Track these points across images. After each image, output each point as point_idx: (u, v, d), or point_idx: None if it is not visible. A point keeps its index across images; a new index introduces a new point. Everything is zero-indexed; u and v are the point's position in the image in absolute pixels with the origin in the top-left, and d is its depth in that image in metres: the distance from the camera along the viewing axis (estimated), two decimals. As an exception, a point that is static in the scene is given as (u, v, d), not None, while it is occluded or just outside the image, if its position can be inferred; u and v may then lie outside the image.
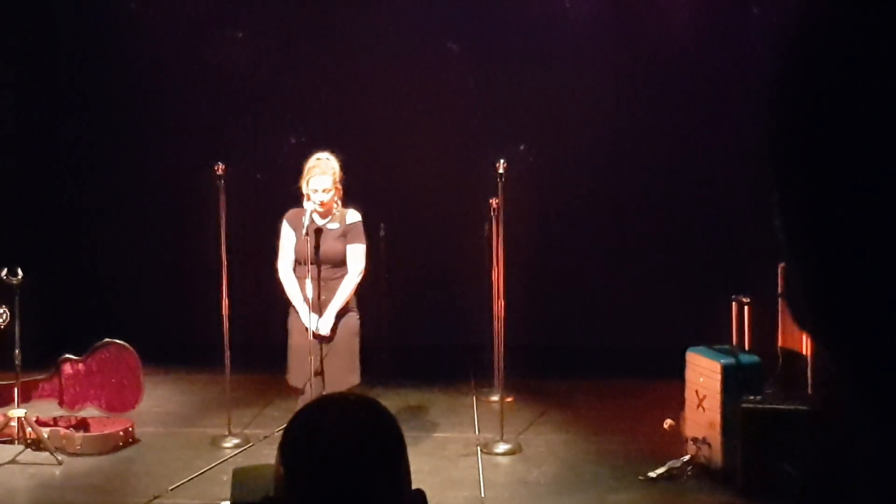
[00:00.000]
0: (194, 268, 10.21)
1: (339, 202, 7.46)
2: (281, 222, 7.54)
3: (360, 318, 7.57)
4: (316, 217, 7.35)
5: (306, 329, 7.30)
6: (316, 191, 7.31)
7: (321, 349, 7.32)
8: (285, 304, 7.55)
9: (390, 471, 1.96)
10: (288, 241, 7.50)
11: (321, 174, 7.32)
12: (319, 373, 7.33)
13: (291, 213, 7.53)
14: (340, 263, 7.40)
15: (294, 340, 7.52)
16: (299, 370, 7.45)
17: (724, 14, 10.68)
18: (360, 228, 7.47)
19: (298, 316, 7.45)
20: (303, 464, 1.93)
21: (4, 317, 7.94)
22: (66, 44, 11.36)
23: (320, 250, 7.34)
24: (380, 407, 2.02)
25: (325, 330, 7.35)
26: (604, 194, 10.80)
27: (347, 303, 7.46)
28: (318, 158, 7.38)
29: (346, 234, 7.42)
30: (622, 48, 10.73)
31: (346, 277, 7.44)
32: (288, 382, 7.64)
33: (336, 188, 7.36)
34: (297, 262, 7.41)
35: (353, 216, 7.48)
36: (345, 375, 7.40)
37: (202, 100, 11.12)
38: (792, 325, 8.34)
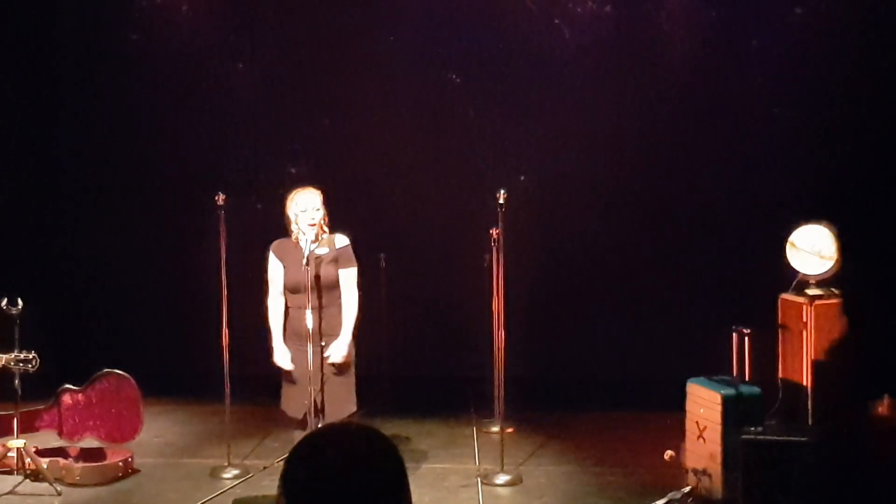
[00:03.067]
0: (194, 298, 10.20)
1: (327, 228, 7.46)
2: (267, 254, 7.52)
3: (355, 346, 7.56)
4: (304, 243, 7.33)
5: (304, 360, 7.28)
6: (305, 210, 7.31)
7: (321, 379, 7.31)
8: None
9: (392, 500, 1.95)
10: (276, 273, 7.49)
11: (308, 193, 7.36)
12: (318, 404, 7.31)
13: (277, 243, 7.52)
14: (334, 287, 7.40)
15: (289, 372, 7.50)
16: (296, 401, 7.43)
17: (725, 46, 10.70)
18: (351, 252, 7.47)
19: (293, 346, 7.42)
20: (305, 494, 1.92)
21: (34, 362, 7.95)
22: (68, 74, 11.39)
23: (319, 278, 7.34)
24: (381, 436, 2.01)
25: (336, 357, 7.32)
26: (604, 225, 10.81)
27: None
28: (299, 188, 7.46)
29: (337, 259, 7.41)
30: (622, 79, 10.76)
31: (345, 307, 7.42)
32: (283, 413, 7.63)
33: (324, 208, 7.39)
34: (293, 292, 7.39)
35: (342, 240, 7.47)
36: (342, 404, 7.38)
37: (203, 130, 11.14)
38: (793, 356, 8.35)
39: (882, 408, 7.89)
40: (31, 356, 7.92)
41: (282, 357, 7.36)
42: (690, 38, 10.72)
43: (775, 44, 10.47)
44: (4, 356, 7.98)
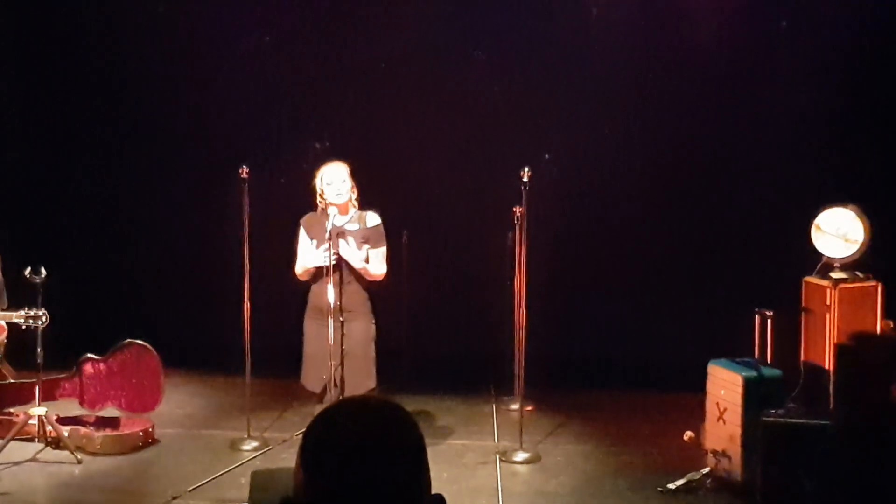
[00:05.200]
0: (217, 270, 10.22)
1: (357, 203, 7.48)
2: (298, 227, 7.57)
3: (376, 324, 7.58)
4: (335, 218, 7.34)
5: (325, 335, 7.29)
6: (331, 183, 7.33)
7: (341, 354, 7.32)
8: (300, 309, 7.60)
9: (411, 474, 1.94)
10: (305, 246, 7.53)
11: (335, 165, 7.38)
12: (337, 379, 7.33)
13: (308, 217, 7.55)
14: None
15: (310, 346, 7.53)
16: (315, 375, 7.46)
17: (753, 26, 10.62)
18: (382, 231, 7.50)
19: (314, 321, 7.45)
20: (323, 467, 1.91)
21: (44, 318, 7.99)
22: (94, 47, 11.38)
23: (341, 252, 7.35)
24: (401, 410, 2.00)
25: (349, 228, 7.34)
26: (628, 205, 10.77)
27: (361, 309, 7.45)
28: (327, 162, 7.50)
29: (368, 238, 7.43)
30: (649, 59, 10.69)
31: (371, 264, 7.45)
32: (303, 387, 7.66)
33: (351, 181, 7.40)
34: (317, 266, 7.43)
35: (374, 218, 7.49)
36: (361, 380, 7.41)
37: (228, 103, 11.13)
38: (815, 339, 8.31)
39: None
40: (40, 313, 7.97)
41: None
42: (719, 17, 10.63)
43: (805, 24, 10.38)
44: (14, 313, 8.05)
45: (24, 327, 8.07)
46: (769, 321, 7.98)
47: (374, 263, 7.49)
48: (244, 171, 8.27)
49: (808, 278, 8.41)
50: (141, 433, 8.40)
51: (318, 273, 7.43)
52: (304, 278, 7.59)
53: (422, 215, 10.73)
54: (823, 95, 10.21)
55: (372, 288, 7.61)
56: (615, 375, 10.18)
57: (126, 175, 11.39)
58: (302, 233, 7.54)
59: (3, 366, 8.71)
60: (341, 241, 7.33)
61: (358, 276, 7.45)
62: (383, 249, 7.52)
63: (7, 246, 8.77)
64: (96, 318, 10.59)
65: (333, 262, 7.28)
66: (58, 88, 11.38)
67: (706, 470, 7.58)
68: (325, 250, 7.27)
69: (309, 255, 7.47)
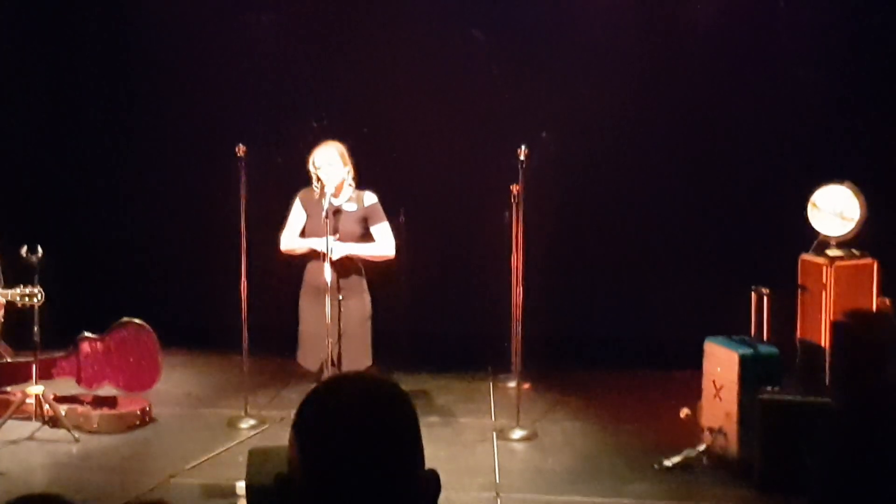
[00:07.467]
0: (214, 249, 10.22)
1: (353, 183, 7.46)
2: (293, 199, 7.55)
3: (372, 302, 7.57)
4: (326, 197, 7.33)
5: (321, 313, 7.29)
6: (320, 167, 7.32)
7: (338, 332, 7.33)
8: (297, 288, 7.59)
9: (404, 450, 1.94)
10: (296, 219, 7.51)
11: (325, 148, 7.36)
12: (334, 357, 7.34)
13: (305, 191, 7.53)
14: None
15: (306, 325, 7.53)
16: (311, 353, 7.47)
17: (751, 5, 10.61)
18: (380, 208, 7.49)
19: (310, 300, 7.45)
20: (316, 442, 1.91)
21: (39, 297, 7.97)
22: (91, 23, 11.35)
23: (338, 233, 7.34)
24: (393, 386, 2.00)
25: (335, 255, 7.28)
26: (625, 183, 10.75)
27: (358, 288, 7.44)
28: (322, 143, 7.47)
29: (365, 218, 7.42)
30: (648, 37, 10.66)
31: (380, 244, 7.44)
32: (299, 365, 7.67)
33: (344, 161, 7.37)
34: None
35: (370, 198, 7.48)
36: (358, 359, 7.42)
37: (225, 81, 11.11)
38: (811, 317, 8.32)
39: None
40: (35, 290, 7.95)
41: (326, 245, 7.28)
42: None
43: (802, 2, 10.36)
44: (10, 291, 8.04)
45: (20, 305, 8.06)
46: (766, 299, 7.99)
47: (382, 241, 7.49)
48: (241, 150, 8.26)
49: (805, 256, 8.42)
50: (138, 412, 8.41)
51: (313, 252, 7.43)
52: (288, 253, 7.56)
53: (419, 194, 10.71)
54: (820, 73, 10.20)
55: (369, 266, 7.60)
56: (612, 353, 10.19)
57: (123, 153, 11.37)
58: (297, 205, 7.52)
59: (1, 345, 8.72)
60: (340, 243, 7.31)
61: (356, 257, 7.45)
62: (386, 224, 7.52)
63: (4, 224, 8.75)
64: (94, 296, 10.59)
65: (331, 245, 7.27)
66: (54, 66, 11.35)
67: (702, 447, 7.60)
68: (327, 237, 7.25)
69: (309, 238, 7.44)
